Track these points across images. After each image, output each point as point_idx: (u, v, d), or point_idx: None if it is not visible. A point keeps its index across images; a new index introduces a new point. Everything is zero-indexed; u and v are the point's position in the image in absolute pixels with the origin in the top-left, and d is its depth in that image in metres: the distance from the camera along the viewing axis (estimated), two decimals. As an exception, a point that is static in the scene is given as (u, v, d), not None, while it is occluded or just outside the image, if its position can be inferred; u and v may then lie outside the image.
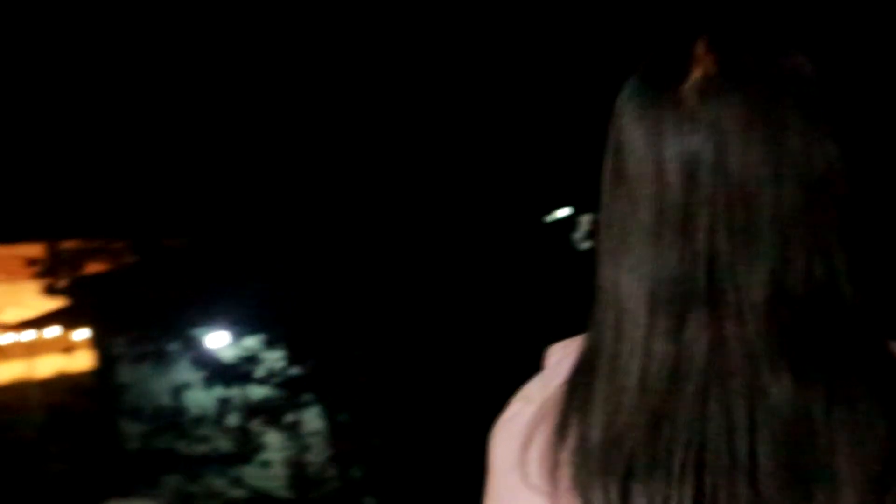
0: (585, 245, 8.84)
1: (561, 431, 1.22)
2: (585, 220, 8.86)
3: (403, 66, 7.88)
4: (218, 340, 10.10)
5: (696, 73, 1.19)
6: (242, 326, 9.71)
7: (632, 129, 1.21)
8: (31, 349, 17.93)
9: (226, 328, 9.98)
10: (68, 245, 12.29)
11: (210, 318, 9.98)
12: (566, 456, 1.20)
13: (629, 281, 1.20)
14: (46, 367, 16.36)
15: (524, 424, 1.26)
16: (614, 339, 1.20)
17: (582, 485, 1.18)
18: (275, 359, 9.57)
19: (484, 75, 7.79)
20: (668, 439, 1.15)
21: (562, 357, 1.29)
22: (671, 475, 1.13)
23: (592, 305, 1.25)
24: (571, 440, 1.20)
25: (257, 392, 9.78)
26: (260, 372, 9.61)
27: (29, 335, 17.90)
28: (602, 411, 1.19)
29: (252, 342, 9.67)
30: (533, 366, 1.36)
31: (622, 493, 1.15)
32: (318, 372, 9.42)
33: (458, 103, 8.00)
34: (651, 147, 1.19)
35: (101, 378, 13.31)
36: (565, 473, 1.20)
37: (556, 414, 1.23)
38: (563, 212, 8.93)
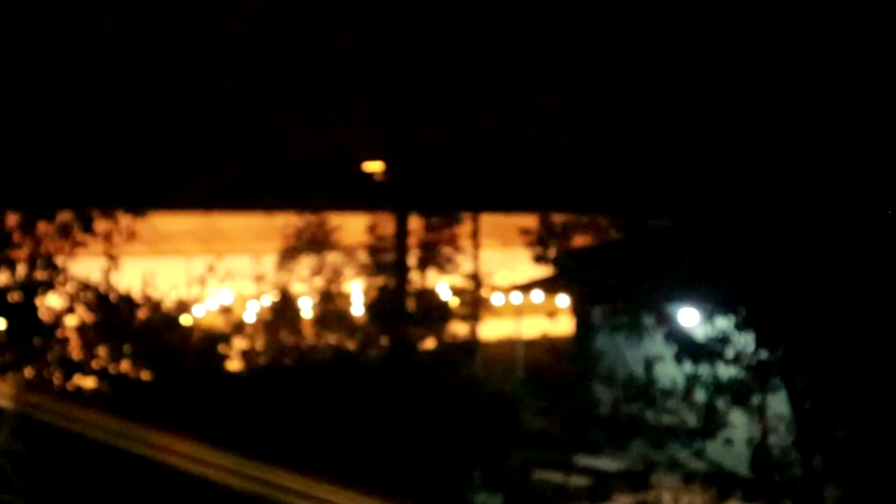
0: None
1: None
2: None
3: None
4: (690, 318, 10.42)
5: None
6: (715, 307, 9.96)
7: None
8: (519, 311, 19.09)
9: (699, 307, 10.25)
10: (559, 218, 13.24)
11: (685, 296, 10.30)
12: None
13: None
14: (530, 328, 17.36)
15: None
16: None
17: None
18: (745, 341, 9.75)
19: None
20: None
21: None
22: None
23: None
24: None
25: (726, 371, 10.01)
26: (730, 352, 9.84)
27: (517, 297, 19.11)
28: None
29: (724, 323, 9.91)
30: None
31: None
32: (787, 358, 9.49)
33: None
34: None
35: (579, 343, 14.10)
36: None
37: None
38: None
